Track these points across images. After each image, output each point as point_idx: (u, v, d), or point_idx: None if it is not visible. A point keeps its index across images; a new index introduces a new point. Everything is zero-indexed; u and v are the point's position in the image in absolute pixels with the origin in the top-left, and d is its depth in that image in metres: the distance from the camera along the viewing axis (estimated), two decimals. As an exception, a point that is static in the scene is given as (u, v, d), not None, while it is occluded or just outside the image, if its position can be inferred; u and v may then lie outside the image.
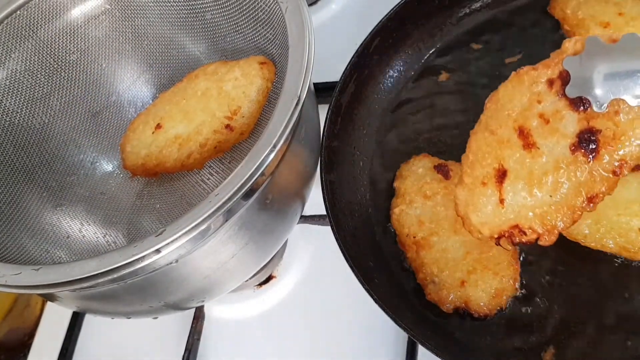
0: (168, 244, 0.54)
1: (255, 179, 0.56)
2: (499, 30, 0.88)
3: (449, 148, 0.81)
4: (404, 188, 0.76)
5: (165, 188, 0.83)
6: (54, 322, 0.97)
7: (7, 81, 0.80)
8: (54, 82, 0.84)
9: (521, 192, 0.58)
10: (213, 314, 0.89)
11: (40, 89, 0.83)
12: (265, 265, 0.78)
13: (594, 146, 0.54)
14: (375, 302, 0.64)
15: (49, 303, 1.00)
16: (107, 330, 0.93)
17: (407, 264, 0.73)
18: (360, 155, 0.83)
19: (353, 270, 0.66)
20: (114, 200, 0.84)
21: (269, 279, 0.89)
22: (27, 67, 0.82)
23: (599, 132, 0.54)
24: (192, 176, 0.82)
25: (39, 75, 0.83)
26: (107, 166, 0.87)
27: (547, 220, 0.57)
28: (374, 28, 0.84)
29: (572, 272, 0.68)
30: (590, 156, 0.55)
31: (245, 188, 0.56)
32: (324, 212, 0.72)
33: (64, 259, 0.76)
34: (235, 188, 0.55)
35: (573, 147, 0.55)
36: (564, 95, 0.55)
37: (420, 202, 0.74)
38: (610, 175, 0.55)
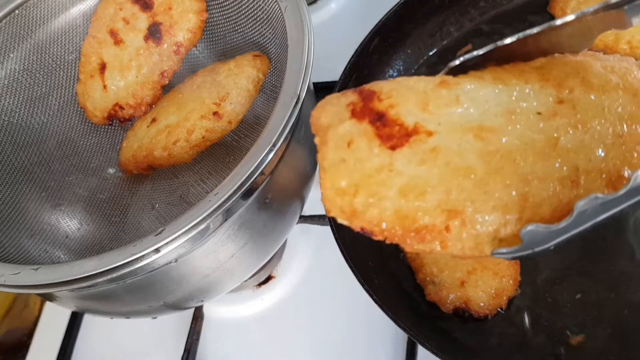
0: (167, 243, 0.53)
1: (255, 178, 0.56)
2: (498, 30, 0.88)
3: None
4: (403, 188, 0.75)
5: (164, 187, 0.83)
6: (52, 322, 0.97)
7: (6, 80, 0.80)
8: (52, 81, 0.84)
9: (117, 78, 0.79)
10: (212, 314, 0.88)
11: (39, 88, 0.83)
12: (264, 265, 0.78)
13: (158, 35, 0.77)
14: (375, 302, 0.64)
15: (47, 303, 1.00)
16: (106, 330, 0.93)
17: (407, 264, 0.73)
18: (359, 155, 0.82)
19: (353, 270, 0.66)
20: (112, 200, 0.83)
21: (268, 279, 0.88)
22: (25, 67, 0.82)
23: (161, 24, 0.77)
24: (191, 175, 0.82)
25: (37, 75, 0.83)
26: (106, 166, 0.87)
27: (137, 95, 0.79)
28: (373, 27, 0.84)
29: (572, 274, 0.68)
30: (158, 42, 0.77)
31: (245, 187, 0.56)
32: (324, 212, 0.72)
33: (63, 258, 0.76)
34: (235, 187, 0.55)
35: (146, 38, 0.77)
36: (136, 1, 0.77)
37: (420, 201, 0.73)
38: (173, 55, 0.78)
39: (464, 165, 0.40)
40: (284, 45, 0.66)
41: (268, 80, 0.75)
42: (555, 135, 0.42)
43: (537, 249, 0.39)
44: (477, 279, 0.67)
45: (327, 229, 0.71)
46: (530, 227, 0.37)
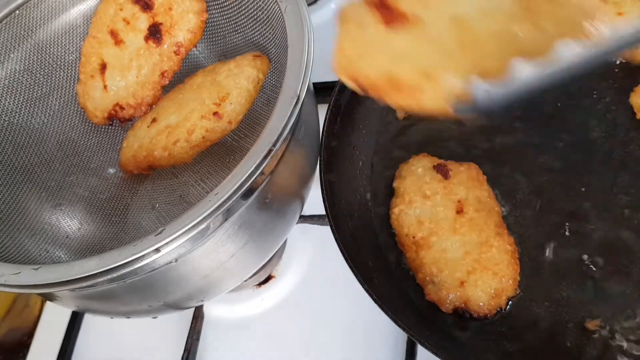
0: (167, 243, 0.54)
1: (255, 178, 0.56)
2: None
3: (449, 148, 0.81)
4: (403, 188, 0.76)
5: (164, 187, 0.83)
6: (53, 322, 0.97)
7: (6, 81, 0.80)
8: (53, 81, 0.84)
9: (117, 78, 0.80)
10: (212, 313, 0.89)
11: (40, 88, 0.83)
12: (264, 265, 0.78)
13: (159, 35, 0.77)
14: (375, 302, 0.64)
15: (48, 303, 1.00)
16: (106, 330, 0.93)
17: (407, 264, 0.73)
18: (359, 155, 0.83)
19: (353, 270, 0.66)
20: (113, 200, 0.84)
21: (268, 278, 0.88)
22: (26, 67, 0.82)
23: (161, 25, 0.77)
24: (191, 175, 0.82)
25: (38, 75, 0.83)
26: (107, 166, 0.87)
27: (137, 95, 0.80)
28: (373, 28, 0.84)
29: (572, 274, 0.68)
30: (158, 42, 0.78)
31: (245, 187, 0.56)
32: (323, 212, 0.72)
33: (63, 258, 0.76)
34: (235, 187, 0.55)
35: (146, 38, 0.78)
36: (137, 1, 0.78)
37: (420, 202, 0.74)
38: (174, 55, 0.79)
39: (443, 44, 0.51)
40: (284, 46, 0.66)
41: (268, 80, 0.75)
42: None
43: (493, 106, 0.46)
44: (477, 279, 0.67)
45: (327, 229, 0.71)
46: (480, 85, 0.45)
